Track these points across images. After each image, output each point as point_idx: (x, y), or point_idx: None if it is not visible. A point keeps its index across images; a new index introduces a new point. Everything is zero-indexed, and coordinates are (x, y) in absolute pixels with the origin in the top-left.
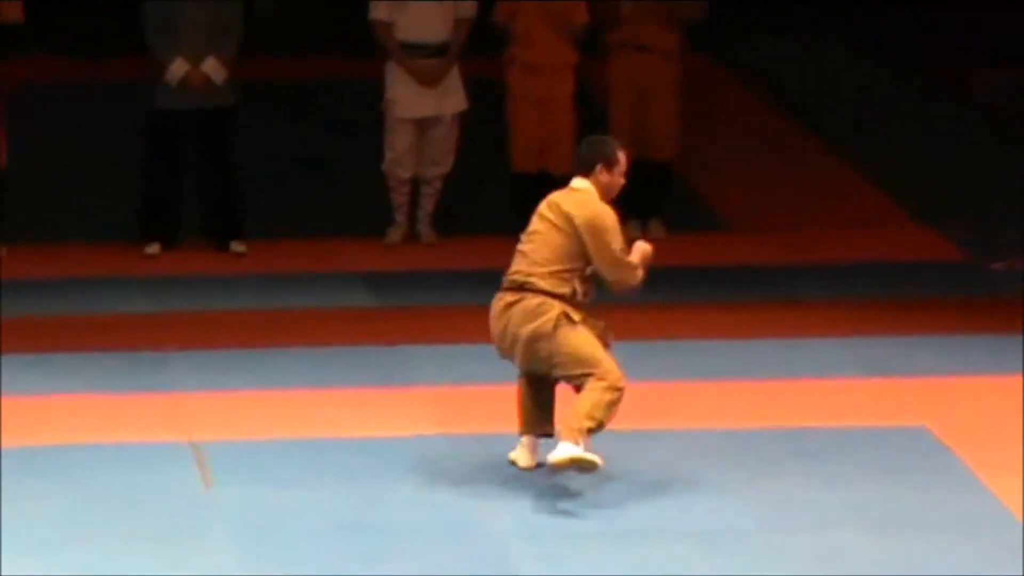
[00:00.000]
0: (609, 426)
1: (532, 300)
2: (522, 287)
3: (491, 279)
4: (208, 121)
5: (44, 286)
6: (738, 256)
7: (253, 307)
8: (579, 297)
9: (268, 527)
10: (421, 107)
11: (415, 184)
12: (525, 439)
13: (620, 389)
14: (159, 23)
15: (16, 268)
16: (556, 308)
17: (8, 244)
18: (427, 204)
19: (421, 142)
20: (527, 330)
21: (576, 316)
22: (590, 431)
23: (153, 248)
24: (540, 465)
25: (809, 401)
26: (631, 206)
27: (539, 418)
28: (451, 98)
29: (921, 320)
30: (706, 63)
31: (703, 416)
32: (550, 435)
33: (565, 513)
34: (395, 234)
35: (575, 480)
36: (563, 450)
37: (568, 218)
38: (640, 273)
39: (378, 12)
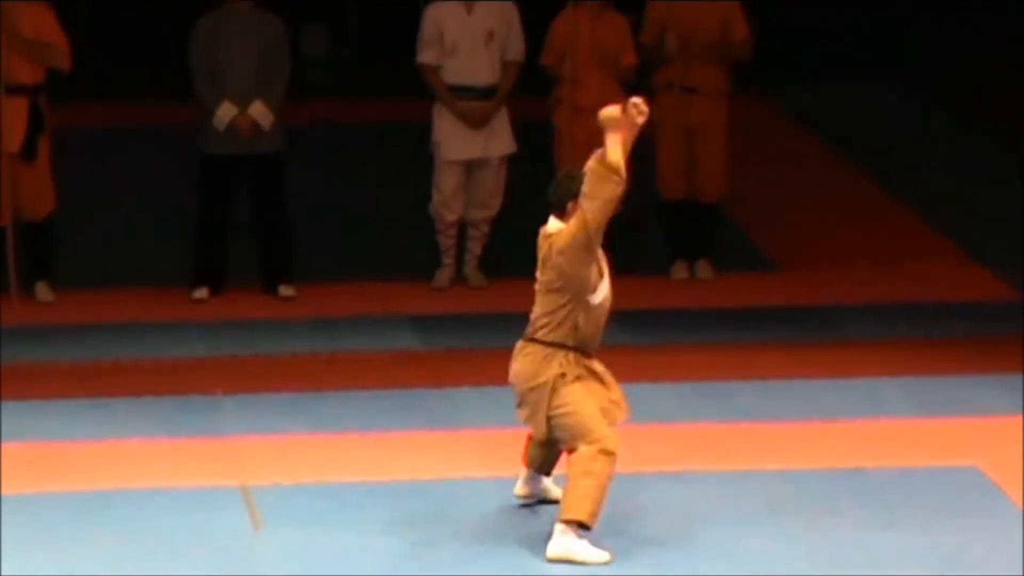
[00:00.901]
0: (657, 467)
1: (538, 354)
2: (531, 338)
3: None
4: (257, 166)
5: (93, 331)
6: (787, 296)
7: (302, 351)
8: (581, 330)
9: (318, 571)
10: (468, 149)
11: (463, 227)
12: (524, 471)
13: (611, 453)
14: (206, 67)
15: (65, 313)
16: (554, 368)
17: (57, 289)
18: (475, 247)
19: (468, 184)
20: (527, 387)
21: (574, 372)
22: (581, 525)
23: (201, 292)
24: (535, 497)
25: (860, 441)
26: (679, 247)
27: (542, 459)
28: (498, 140)
29: (972, 359)
30: (753, 102)
31: (754, 457)
32: (547, 475)
33: (616, 555)
34: (443, 277)
35: (625, 522)
36: (559, 545)
37: (550, 249)
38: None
39: (425, 56)
